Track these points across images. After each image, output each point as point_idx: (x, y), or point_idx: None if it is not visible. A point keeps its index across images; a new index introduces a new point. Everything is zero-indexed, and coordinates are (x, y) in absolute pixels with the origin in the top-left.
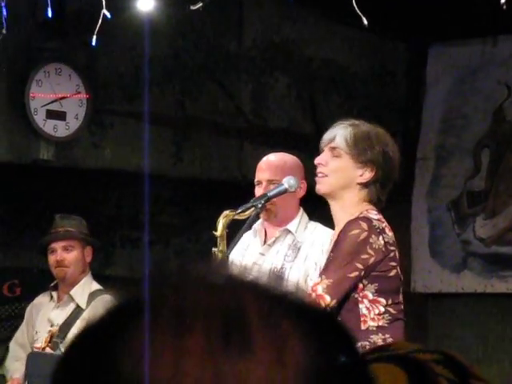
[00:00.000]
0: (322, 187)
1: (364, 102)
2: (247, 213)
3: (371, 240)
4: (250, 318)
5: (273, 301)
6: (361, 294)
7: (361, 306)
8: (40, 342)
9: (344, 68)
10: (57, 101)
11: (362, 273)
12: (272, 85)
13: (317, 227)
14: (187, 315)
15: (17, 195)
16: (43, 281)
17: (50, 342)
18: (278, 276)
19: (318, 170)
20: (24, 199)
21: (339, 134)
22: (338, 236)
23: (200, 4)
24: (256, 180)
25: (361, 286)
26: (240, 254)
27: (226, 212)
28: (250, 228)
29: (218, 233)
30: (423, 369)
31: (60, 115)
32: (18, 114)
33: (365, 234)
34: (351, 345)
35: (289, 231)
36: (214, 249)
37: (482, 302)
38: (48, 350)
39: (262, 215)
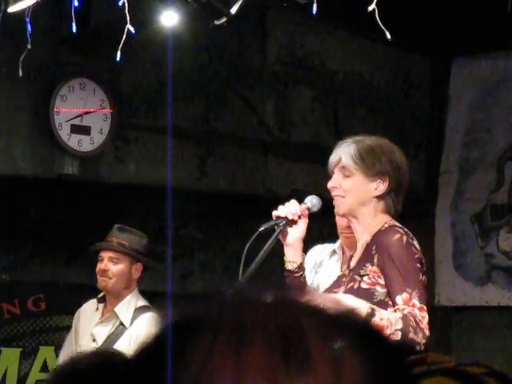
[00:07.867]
0: (341, 209)
1: (388, 115)
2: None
3: (413, 242)
4: (308, 335)
5: (328, 320)
6: (410, 304)
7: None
8: None
9: (367, 81)
10: (81, 115)
11: (423, 273)
12: (295, 98)
13: None
14: (246, 332)
15: (41, 209)
16: (68, 295)
17: None
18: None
19: (334, 193)
20: (49, 213)
21: (344, 152)
22: (382, 250)
23: (224, 19)
24: None
25: (408, 296)
26: (313, 271)
27: None
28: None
29: None
30: (479, 382)
31: (84, 130)
32: (42, 128)
33: (405, 237)
34: (403, 364)
35: None
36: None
37: (506, 315)
38: None
39: (343, 243)
